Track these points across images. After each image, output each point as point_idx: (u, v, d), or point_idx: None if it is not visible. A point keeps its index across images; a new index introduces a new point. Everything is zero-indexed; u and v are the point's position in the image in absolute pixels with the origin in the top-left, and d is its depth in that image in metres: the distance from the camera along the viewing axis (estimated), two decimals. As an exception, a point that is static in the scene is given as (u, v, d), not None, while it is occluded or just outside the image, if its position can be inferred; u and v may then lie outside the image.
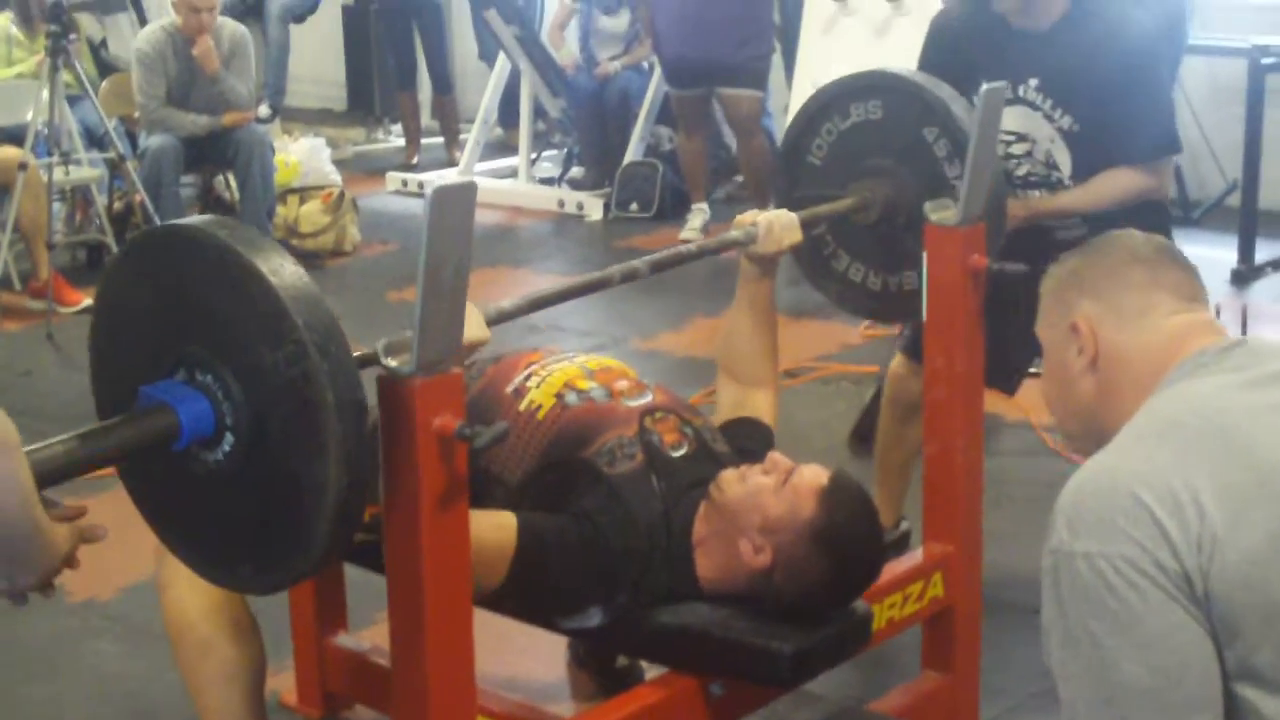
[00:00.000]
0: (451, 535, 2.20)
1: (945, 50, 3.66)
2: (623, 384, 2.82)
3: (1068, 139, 3.54)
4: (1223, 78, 7.12)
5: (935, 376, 3.14)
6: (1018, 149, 3.57)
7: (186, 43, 6.90)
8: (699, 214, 7.76)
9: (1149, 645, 1.66)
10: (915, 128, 3.20)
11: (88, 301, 6.30)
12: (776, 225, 2.97)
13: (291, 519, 2.03)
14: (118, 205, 7.22)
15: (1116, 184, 3.55)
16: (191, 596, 2.77)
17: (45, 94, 6.41)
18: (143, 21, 7.87)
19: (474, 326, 2.29)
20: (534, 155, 8.90)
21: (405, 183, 8.91)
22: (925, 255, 3.07)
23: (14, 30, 7.41)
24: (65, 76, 6.56)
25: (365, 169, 9.53)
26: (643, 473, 2.67)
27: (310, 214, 7.44)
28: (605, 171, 8.41)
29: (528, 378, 2.82)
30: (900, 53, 4.45)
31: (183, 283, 2.05)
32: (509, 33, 8.55)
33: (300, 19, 9.36)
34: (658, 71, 8.19)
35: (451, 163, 9.36)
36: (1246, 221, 6.72)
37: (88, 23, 7.86)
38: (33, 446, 1.87)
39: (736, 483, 2.62)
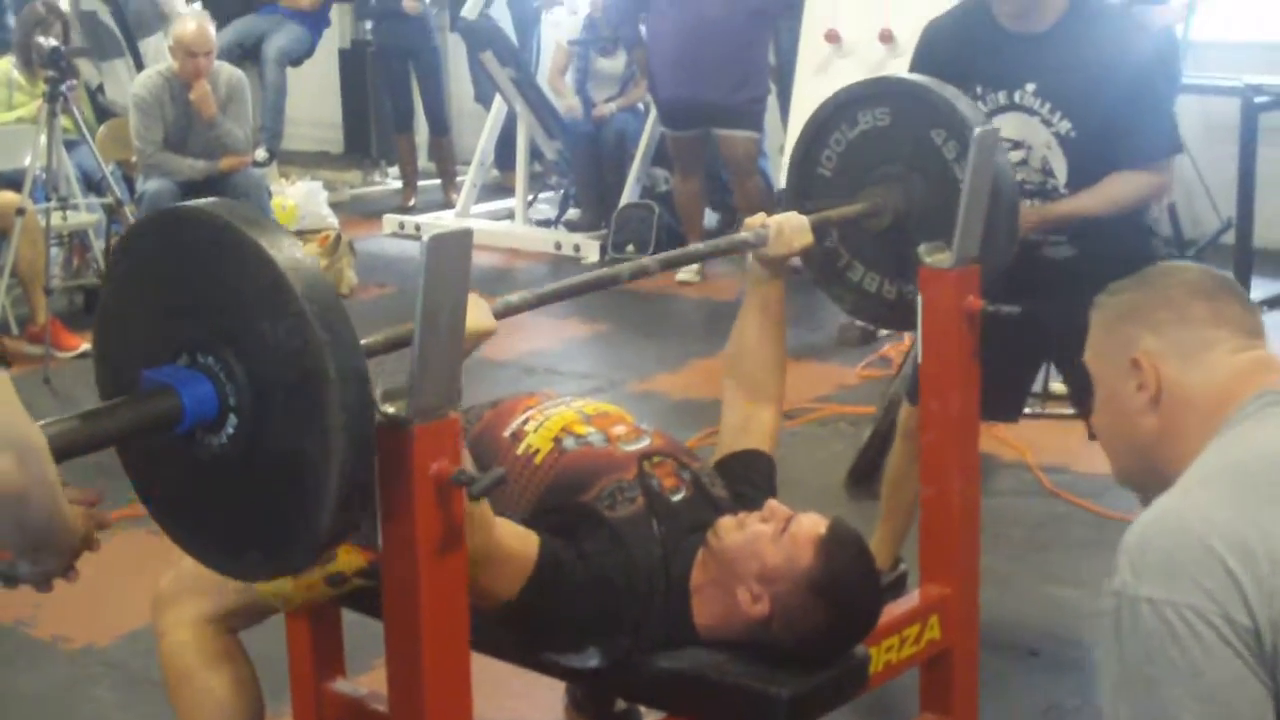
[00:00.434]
0: (449, 580, 2.20)
1: (939, 58, 3.59)
2: (620, 429, 2.82)
3: (1064, 144, 3.50)
4: (1216, 116, 7.14)
5: (931, 419, 3.14)
6: (1013, 156, 3.51)
7: (184, 88, 6.93)
8: (695, 255, 7.77)
9: (1208, 699, 1.63)
10: (924, 131, 3.17)
11: (85, 346, 6.31)
12: (787, 227, 2.97)
13: (296, 496, 2.01)
14: (115, 250, 7.22)
15: (1126, 186, 3.52)
16: (189, 643, 2.77)
17: (43, 139, 6.43)
18: (139, 67, 7.90)
19: (480, 317, 2.26)
20: (530, 197, 8.93)
21: (402, 225, 8.94)
22: (920, 298, 3.08)
23: (15, 74, 7.45)
24: (63, 121, 6.59)
25: (362, 211, 9.55)
26: (643, 516, 2.67)
27: (307, 257, 7.44)
28: (601, 213, 8.44)
29: (525, 422, 2.82)
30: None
31: (185, 264, 2.04)
32: (505, 75, 8.60)
33: (297, 62, 9.41)
34: (654, 113, 8.22)
35: (448, 205, 9.39)
36: (1241, 260, 6.73)
37: (85, 68, 7.89)
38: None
39: (734, 530, 2.60)
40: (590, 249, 8.25)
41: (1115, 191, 3.52)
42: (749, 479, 2.88)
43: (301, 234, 7.54)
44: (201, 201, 2.09)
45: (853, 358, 6.27)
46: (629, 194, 8.37)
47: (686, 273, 7.71)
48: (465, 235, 2.12)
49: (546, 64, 9.27)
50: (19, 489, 1.77)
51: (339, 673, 3.24)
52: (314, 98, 10.68)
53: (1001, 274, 3.16)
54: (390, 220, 9.06)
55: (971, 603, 3.20)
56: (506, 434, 2.80)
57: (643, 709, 3.15)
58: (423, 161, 10.12)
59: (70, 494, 1.93)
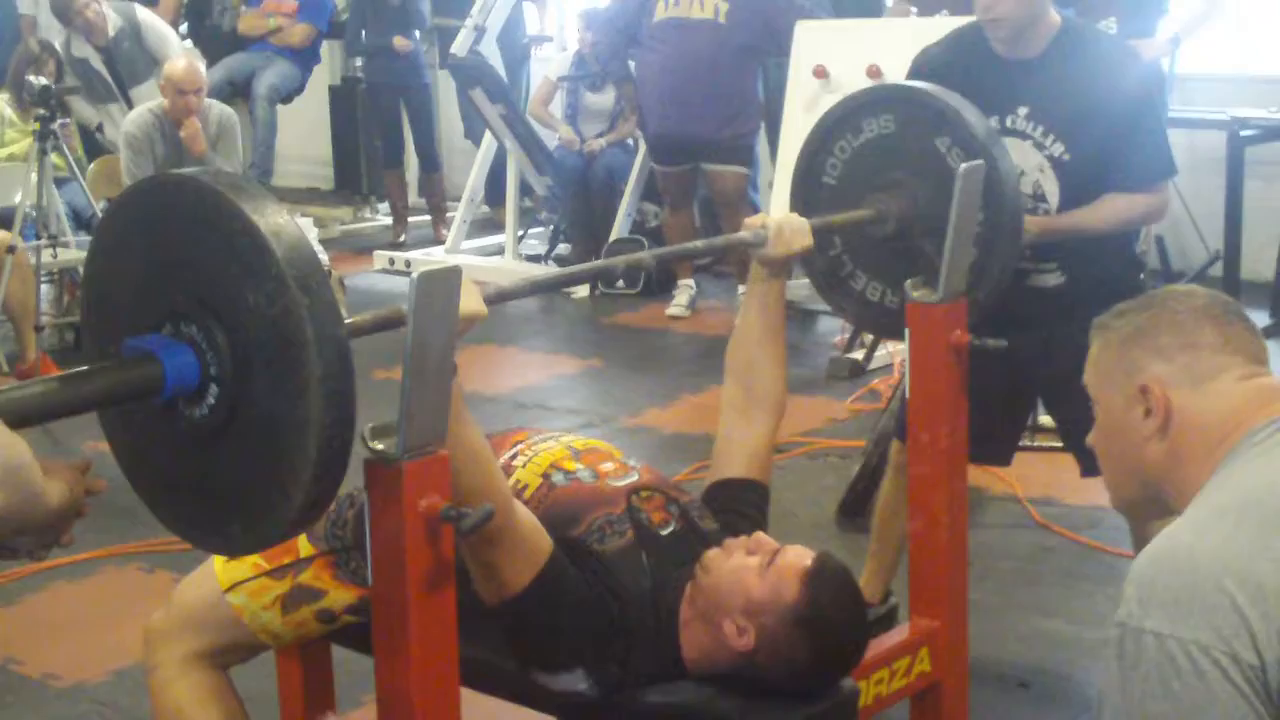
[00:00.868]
0: (438, 616, 2.21)
1: (931, 82, 3.55)
2: (608, 465, 2.82)
3: (1057, 167, 3.50)
4: (1203, 150, 7.19)
5: (919, 452, 3.15)
6: None
7: (174, 125, 6.94)
8: (685, 290, 7.81)
9: None
10: (928, 139, 3.17)
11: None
12: (787, 228, 2.96)
13: (275, 463, 1.99)
14: (106, 287, 7.22)
15: (1122, 207, 3.53)
16: (179, 679, 2.77)
17: (34, 176, 6.44)
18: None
19: (471, 301, 2.25)
20: (520, 232, 8.95)
21: (393, 261, 8.96)
22: (907, 332, 3.10)
23: (8, 111, 7.46)
24: (54, 159, 6.60)
25: (353, 247, 9.57)
26: (633, 550, 2.67)
27: (298, 293, 7.45)
28: (591, 248, 8.45)
29: (514, 457, 2.82)
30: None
31: (169, 231, 2.03)
32: (494, 111, 8.62)
33: (287, 99, 9.43)
34: (643, 148, 8.24)
35: (438, 240, 9.41)
36: (1229, 291, 6.71)
37: (82, 107, 7.92)
38: (9, 386, 1.92)
39: (721, 563, 2.61)
40: (580, 284, 8.27)
41: (1112, 212, 3.52)
42: (739, 509, 2.88)
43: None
44: (189, 169, 2.09)
45: (842, 392, 6.29)
46: (619, 229, 8.39)
47: (677, 307, 7.73)
48: (454, 273, 2.13)
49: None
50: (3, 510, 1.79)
51: (329, 709, 3.24)
52: (304, 134, 10.71)
53: (993, 305, 3.16)
54: (381, 256, 9.08)
55: (961, 635, 3.21)
56: (495, 469, 2.81)
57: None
58: (413, 197, 10.15)
59: (58, 466, 1.95)
